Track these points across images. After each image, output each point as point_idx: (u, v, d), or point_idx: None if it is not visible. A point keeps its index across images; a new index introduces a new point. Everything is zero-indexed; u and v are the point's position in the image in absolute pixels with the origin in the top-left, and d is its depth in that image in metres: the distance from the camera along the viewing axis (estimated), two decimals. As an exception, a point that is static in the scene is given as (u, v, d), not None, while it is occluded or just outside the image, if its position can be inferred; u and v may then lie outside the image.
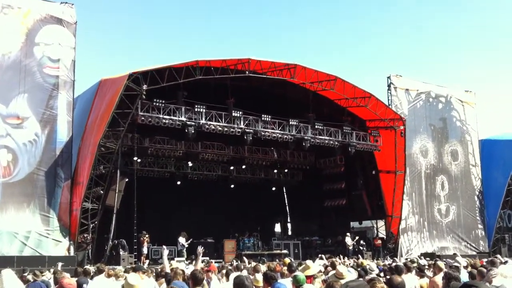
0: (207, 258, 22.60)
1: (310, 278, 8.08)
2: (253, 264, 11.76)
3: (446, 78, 70.31)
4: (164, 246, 13.25)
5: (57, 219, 21.27)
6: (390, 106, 30.01)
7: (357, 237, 29.55)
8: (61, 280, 6.23)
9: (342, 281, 6.82)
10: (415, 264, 11.59)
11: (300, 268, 9.09)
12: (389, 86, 32.02)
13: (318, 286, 7.33)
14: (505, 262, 10.81)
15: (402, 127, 28.42)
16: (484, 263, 10.80)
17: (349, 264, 13.90)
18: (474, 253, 31.65)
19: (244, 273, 9.04)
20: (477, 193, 35.48)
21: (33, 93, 21.60)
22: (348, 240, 28.81)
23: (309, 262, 9.90)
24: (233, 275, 9.45)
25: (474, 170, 35.73)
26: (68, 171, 22.06)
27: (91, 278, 10.54)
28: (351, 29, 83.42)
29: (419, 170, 32.62)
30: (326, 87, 26.05)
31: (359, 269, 10.82)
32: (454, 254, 24.70)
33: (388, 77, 32.22)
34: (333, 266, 9.48)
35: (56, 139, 21.93)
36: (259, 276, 7.67)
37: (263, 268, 10.77)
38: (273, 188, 35.70)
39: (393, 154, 28.63)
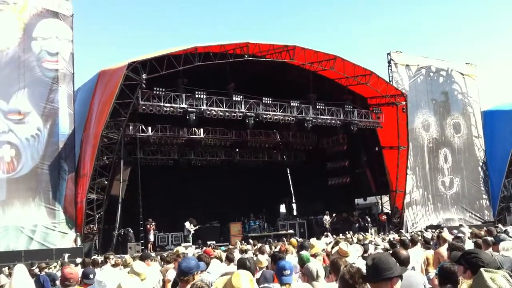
0: (214, 242, 22.82)
1: (313, 256, 8.16)
2: (259, 245, 11.88)
3: (447, 52, 70.13)
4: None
5: (63, 212, 21.44)
6: (391, 83, 30.05)
7: (334, 215, 29.79)
8: (63, 269, 6.32)
9: (347, 259, 6.90)
10: (420, 237, 11.66)
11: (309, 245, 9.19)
12: (389, 62, 31.99)
13: (319, 264, 7.39)
14: (505, 231, 10.84)
15: (403, 103, 28.45)
16: (482, 233, 10.86)
17: (354, 241, 13.98)
18: (479, 223, 31.87)
19: (249, 254, 9.16)
20: (481, 164, 35.58)
21: (33, 87, 21.63)
22: (326, 218, 29.15)
23: (313, 241, 9.98)
24: (237, 258, 9.58)
25: (477, 141, 35.79)
26: (71, 164, 22.16)
27: (100, 267, 10.68)
28: (349, 8, 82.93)
29: (421, 144, 32.73)
30: (326, 67, 26.02)
31: (363, 243, 10.94)
32: (460, 225, 24.82)
33: (388, 54, 32.19)
34: (338, 244, 9.55)
35: (58, 132, 22.02)
36: (262, 257, 7.77)
37: (267, 249, 10.90)
38: (277, 170, 35.81)
39: (395, 130, 28.71)
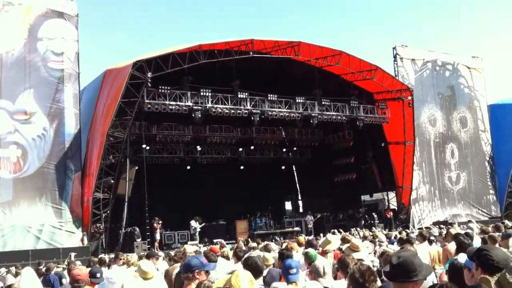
0: (221, 240, 22.83)
1: (323, 252, 8.12)
2: (263, 244, 11.84)
3: (453, 46, 69.68)
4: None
5: (70, 211, 21.44)
6: (397, 77, 29.89)
7: (318, 215, 29.66)
8: (72, 270, 6.34)
9: (356, 254, 6.87)
10: (425, 232, 11.62)
11: (320, 243, 9.13)
12: (395, 57, 31.83)
13: (330, 260, 7.35)
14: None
15: (409, 98, 28.29)
16: (490, 229, 10.83)
17: (360, 237, 13.93)
18: (487, 218, 31.70)
19: (257, 253, 9.09)
20: (488, 158, 35.39)
21: (39, 88, 21.64)
22: (309, 218, 29.18)
23: (330, 236, 9.90)
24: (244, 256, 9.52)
25: (484, 135, 35.59)
26: (78, 163, 22.16)
27: (108, 266, 10.69)
28: (354, 2, 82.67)
29: (428, 139, 32.56)
30: (331, 63, 25.92)
31: (367, 241, 10.90)
32: (469, 221, 24.71)
33: (394, 48, 32.02)
34: (344, 240, 9.50)
35: (64, 132, 22.03)
36: (268, 255, 7.74)
37: (274, 246, 10.85)
38: (283, 167, 35.80)
39: (401, 125, 28.56)
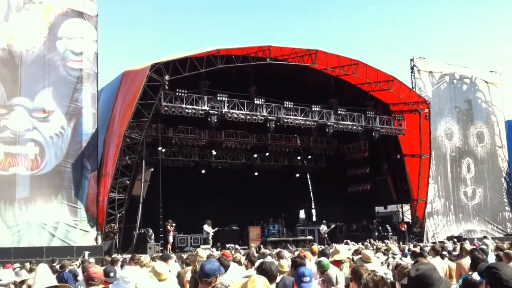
0: (232, 244, 22.84)
1: (337, 263, 8.10)
2: (276, 250, 11.85)
3: (471, 59, 69.18)
4: None
5: (85, 210, 21.59)
6: (414, 89, 29.73)
7: (332, 225, 29.49)
8: (88, 268, 6.39)
9: (368, 265, 6.86)
10: (438, 247, 11.53)
11: (330, 251, 9.13)
12: (412, 68, 31.72)
13: (346, 271, 7.33)
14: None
15: (426, 110, 28.07)
16: (505, 246, 10.72)
17: (374, 247, 13.88)
18: (502, 235, 31.36)
19: (269, 259, 9.10)
20: (504, 175, 35.05)
21: (57, 86, 21.84)
22: (323, 228, 28.95)
23: (339, 246, 9.91)
24: (257, 262, 9.52)
25: (501, 151, 35.28)
26: (94, 163, 22.33)
27: (121, 267, 10.76)
28: (372, 13, 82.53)
29: (444, 153, 32.33)
30: (348, 72, 25.87)
31: (379, 253, 10.85)
32: (484, 237, 24.48)
33: (411, 60, 31.93)
34: (356, 252, 9.49)
35: (81, 131, 22.21)
36: (284, 262, 7.75)
37: (286, 254, 10.86)
38: (297, 175, 35.74)
39: (417, 137, 28.35)
